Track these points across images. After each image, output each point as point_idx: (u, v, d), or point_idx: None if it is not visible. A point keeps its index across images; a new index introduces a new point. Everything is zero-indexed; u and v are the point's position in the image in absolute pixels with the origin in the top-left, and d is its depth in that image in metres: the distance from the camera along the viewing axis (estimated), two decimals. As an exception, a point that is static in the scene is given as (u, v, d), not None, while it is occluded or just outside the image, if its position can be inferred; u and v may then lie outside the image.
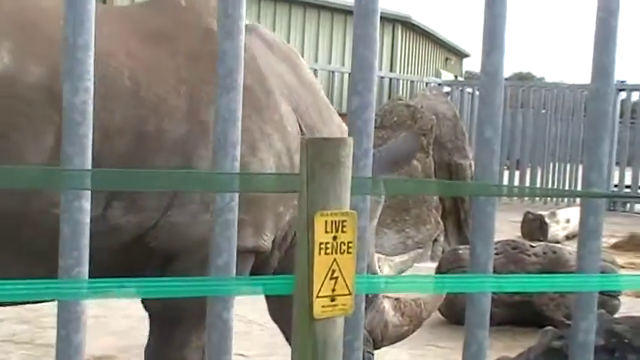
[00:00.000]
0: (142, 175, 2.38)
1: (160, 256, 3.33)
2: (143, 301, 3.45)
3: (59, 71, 2.67)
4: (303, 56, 14.74)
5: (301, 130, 3.68)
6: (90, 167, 2.51)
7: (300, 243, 1.87)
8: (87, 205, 2.53)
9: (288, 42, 16.27)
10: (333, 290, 1.88)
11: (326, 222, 1.85)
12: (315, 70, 14.99)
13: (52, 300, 2.59)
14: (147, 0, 3.80)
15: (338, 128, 3.93)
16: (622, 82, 15.25)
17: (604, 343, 4.16)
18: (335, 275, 1.88)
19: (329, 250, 1.86)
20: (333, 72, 15.89)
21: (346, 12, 16.72)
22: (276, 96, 3.60)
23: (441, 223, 9.17)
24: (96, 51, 2.54)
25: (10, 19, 3.02)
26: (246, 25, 2.83)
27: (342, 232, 1.88)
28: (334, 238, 1.87)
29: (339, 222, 1.87)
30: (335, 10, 17.09)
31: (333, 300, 1.88)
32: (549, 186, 17.08)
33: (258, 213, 3.37)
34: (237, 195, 2.70)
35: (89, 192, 2.49)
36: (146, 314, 3.53)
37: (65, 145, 2.51)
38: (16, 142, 2.93)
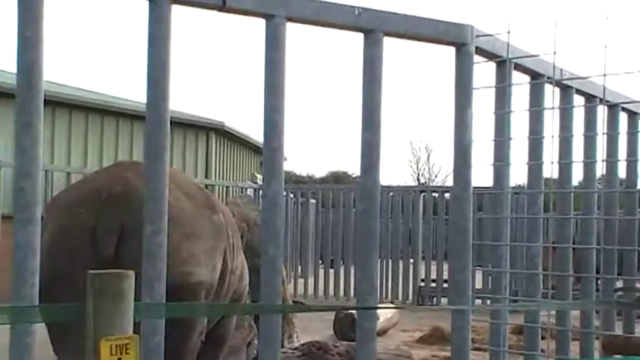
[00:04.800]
0: None
1: None
2: None
3: None
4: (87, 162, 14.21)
5: None
6: None
7: (88, 365, 2.12)
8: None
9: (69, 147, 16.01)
10: (120, 408, 2.13)
11: (111, 346, 2.11)
12: None
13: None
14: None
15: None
16: (422, 184, 16.22)
17: None
18: (121, 394, 2.13)
19: (115, 372, 2.11)
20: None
21: (117, 114, 16.91)
22: None
23: (255, 326, 9.40)
24: None
25: None
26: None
27: (126, 353, 2.14)
28: (119, 359, 2.13)
29: (122, 345, 2.13)
30: (106, 112, 16.97)
31: (119, 416, 2.13)
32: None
33: None
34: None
35: None
36: None
37: None
38: None
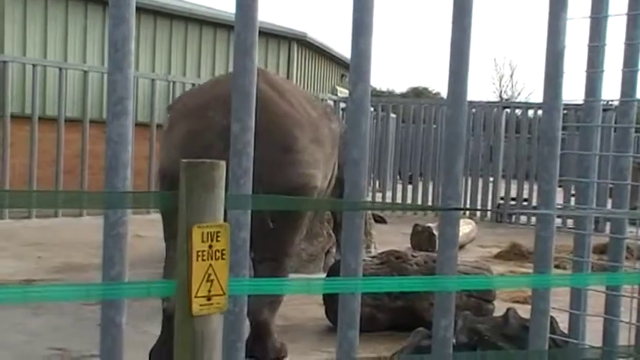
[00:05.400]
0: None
1: None
2: None
3: None
4: (157, 68, 14.44)
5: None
6: None
7: (181, 250, 2.18)
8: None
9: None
10: (209, 291, 2.20)
11: (202, 233, 2.17)
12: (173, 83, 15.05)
13: None
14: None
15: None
16: (507, 99, 15.92)
17: (467, 341, 4.62)
18: (211, 278, 2.20)
19: (205, 257, 2.18)
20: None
21: (201, 22, 16.82)
22: None
23: (333, 235, 9.54)
24: None
25: None
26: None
27: (217, 241, 2.20)
28: (210, 246, 2.19)
29: (214, 233, 2.19)
30: (190, 19, 16.78)
31: (209, 300, 2.20)
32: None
33: None
34: (128, 211, 2.99)
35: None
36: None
37: None
38: None
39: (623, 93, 4.32)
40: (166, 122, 5.79)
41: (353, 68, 3.45)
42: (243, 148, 3.23)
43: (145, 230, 9.94)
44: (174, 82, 14.85)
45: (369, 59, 3.44)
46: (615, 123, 5.72)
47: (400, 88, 58.74)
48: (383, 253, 7.00)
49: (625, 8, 4.28)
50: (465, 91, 3.62)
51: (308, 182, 5.26)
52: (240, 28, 3.21)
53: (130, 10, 3.03)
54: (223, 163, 2.22)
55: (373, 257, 7.00)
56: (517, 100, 42.64)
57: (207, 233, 2.18)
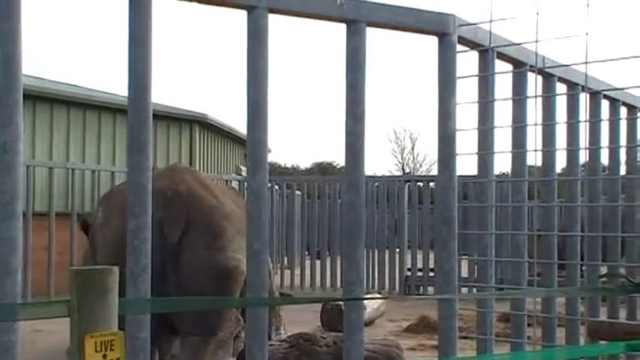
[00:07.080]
0: None
1: None
2: None
3: None
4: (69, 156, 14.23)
5: None
6: None
7: (73, 362, 2.10)
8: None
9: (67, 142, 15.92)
10: (106, 403, 2.11)
11: (95, 343, 2.09)
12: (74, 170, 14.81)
13: None
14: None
15: None
16: (407, 173, 16.20)
17: None
18: (106, 390, 2.11)
19: (100, 368, 2.10)
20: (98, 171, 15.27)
21: (99, 107, 16.73)
22: None
23: (242, 319, 9.38)
24: None
25: None
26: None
27: (111, 350, 2.13)
28: (104, 356, 2.11)
29: (107, 342, 2.11)
30: (88, 105, 16.64)
31: (105, 412, 2.11)
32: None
33: None
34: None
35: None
36: None
37: None
38: None
39: (514, 171, 4.47)
40: (100, 216, 6.08)
41: (250, 158, 3.45)
42: (141, 245, 3.16)
43: (45, 324, 9.56)
44: (73, 170, 14.53)
45: (266, 148, 3.46)
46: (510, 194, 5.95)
47: (305, 163, 59.32)
48: (292, 336, 6.95)
49: (510, 93, 4.47)
50: (362, 177, 3.66)
51: (237, 265, 5.67)
52: (133, 125, 3.19)
53: (17, 110, 2.97)
54: (116, 268, 2.16)
55: (282, 341, 6.93)
56: (419, 172, 43.76)
57: (101, 342, 2.10)
